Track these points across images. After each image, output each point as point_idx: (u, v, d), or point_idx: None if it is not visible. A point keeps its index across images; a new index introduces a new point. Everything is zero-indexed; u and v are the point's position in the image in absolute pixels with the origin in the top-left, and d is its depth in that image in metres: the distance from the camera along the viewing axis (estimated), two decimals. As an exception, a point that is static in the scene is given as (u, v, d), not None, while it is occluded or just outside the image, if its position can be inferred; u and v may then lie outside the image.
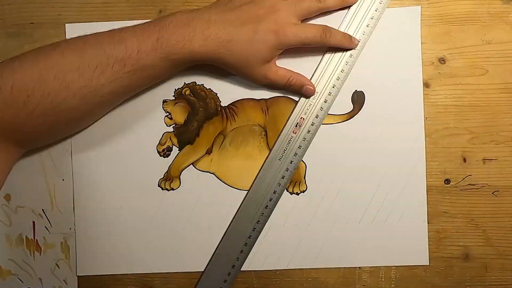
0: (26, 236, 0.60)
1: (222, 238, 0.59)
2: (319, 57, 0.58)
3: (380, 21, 0.58)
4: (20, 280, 0.60)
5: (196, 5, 0.59)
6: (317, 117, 0.58)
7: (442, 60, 0.58)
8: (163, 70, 0.53)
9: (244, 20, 0.53)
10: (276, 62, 0.57)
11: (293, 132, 0.58)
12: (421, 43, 0.58)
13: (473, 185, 0.59)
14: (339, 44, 0.57)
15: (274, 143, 0.58)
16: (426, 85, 0.58)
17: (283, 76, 0.57)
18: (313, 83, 0.58)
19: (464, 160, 0.59)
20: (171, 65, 0.53)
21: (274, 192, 0.58)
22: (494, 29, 0.58)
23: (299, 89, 0.58)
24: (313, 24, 0.57)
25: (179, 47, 0.52)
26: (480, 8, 0.58)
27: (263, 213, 0.58)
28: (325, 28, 0.56)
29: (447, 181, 0.59)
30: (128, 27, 0.53)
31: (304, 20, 0.57)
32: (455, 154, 0.59)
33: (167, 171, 0.59)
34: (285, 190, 0.59)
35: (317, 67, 0.58)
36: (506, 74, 0.58)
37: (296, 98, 0.59)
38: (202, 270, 0.59)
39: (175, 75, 0.59)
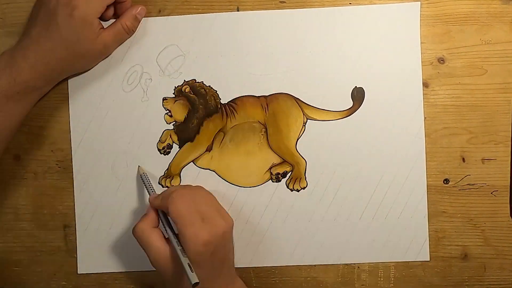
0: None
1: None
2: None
3: (380, 17, 0.58)
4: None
5: (196, 5, 0.59)
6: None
7: (441, 60, 0.58)
8: None
9: None
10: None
11: None
12: (421, 43, 0.58)
13: (472, 185, 0.59)
14: None
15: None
16: (425, 85, 0.58)
17: (117, 30, 0.57)
18: None
19: (463, 160, 0.59)
20: None
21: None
22: (493, 29, 0.58)
23: (136, 21, 0.58)
24: None
25: None
26: (480, 8, 0.58)
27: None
28: None
29: (446, 181, 0.59)
30: None
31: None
32: (454, 154, 0.59)
33: (167, 169, 0.60)
34: (286, 187, 0.59)
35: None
36: (505, 74, 0.58)
37: (297, 95, 0.59)
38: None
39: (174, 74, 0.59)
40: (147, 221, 0.53)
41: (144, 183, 0.57)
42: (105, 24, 0.58)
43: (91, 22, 0.54)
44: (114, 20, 0.58)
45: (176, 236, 0.52)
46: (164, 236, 0.53)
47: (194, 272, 0.49)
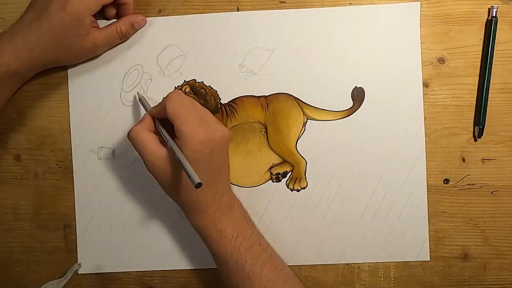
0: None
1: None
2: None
3: (380, 17, 0.58)
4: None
5: (196, 5, 0.59)
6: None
7: (441, 60, 0.58)
8: None
9: None
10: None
11: None
12: (421, 43, 0.58)
13: (472, 185, 0.59)
14: None
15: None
16: (425, 85, 0.58)
17: (110, 33, 0.57)
18: None
19: (463, 160, 0.59)
20: None
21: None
22: (493, 29, 0.58)
23: (132, 28, 0.58)
24: None
25: None
26: (480, 8, 0.58)
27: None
28: None
29: (446, 181, 0.59)
30: None
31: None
32: (454, 154, 0.59)
33: (167, 169, 0.59)
34: (286, 187, 0.59)
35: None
36: (505, 74, 0.58)
37: (297, 95, 0.59)
38: (202, 268, 0.60)
39: (174, 74, 0.59)
40: (142, 124, 0.53)
41: (142, 103, 0.57)
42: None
43: (82, 19, 0.54)
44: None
45: (173, 139, 0.51)
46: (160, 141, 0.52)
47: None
